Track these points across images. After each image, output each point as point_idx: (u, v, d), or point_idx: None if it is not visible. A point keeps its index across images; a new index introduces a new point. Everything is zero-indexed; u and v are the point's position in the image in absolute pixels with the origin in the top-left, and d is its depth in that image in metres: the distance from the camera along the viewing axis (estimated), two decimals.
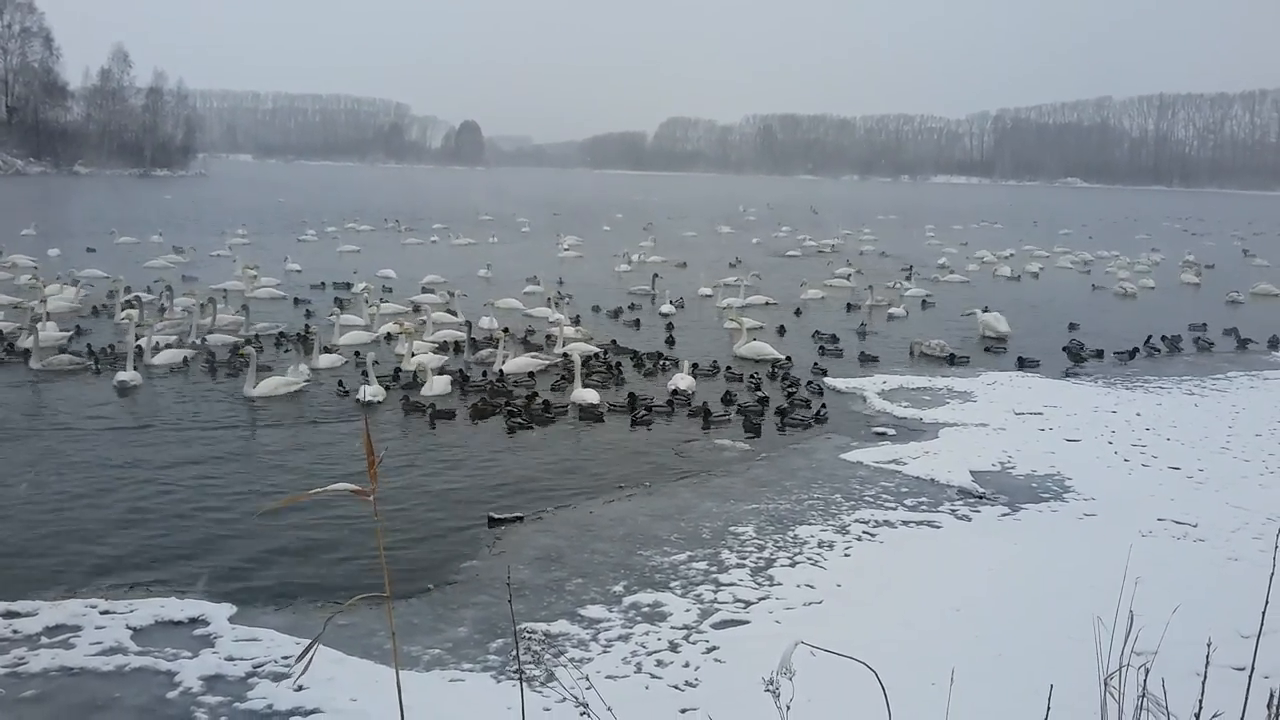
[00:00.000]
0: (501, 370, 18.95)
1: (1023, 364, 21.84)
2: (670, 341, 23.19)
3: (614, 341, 22.34)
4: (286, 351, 20.72)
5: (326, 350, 19.98)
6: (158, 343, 19.94)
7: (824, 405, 17.28)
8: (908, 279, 37.00)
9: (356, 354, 20.07)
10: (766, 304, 29.85)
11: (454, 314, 24.90)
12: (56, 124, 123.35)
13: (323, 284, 31.51)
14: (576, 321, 24.75)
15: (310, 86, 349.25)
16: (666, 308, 28.77)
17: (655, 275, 32.98)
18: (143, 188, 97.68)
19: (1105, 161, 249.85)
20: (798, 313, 28.52)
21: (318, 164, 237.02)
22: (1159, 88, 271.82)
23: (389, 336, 21.88)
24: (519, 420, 15.70)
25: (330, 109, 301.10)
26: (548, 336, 22.63)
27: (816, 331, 24.16)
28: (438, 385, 17.38)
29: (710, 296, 30.63)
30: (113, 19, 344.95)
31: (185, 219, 58.69)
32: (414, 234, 51.91)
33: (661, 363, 20.27)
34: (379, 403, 16.99)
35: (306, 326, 22.03)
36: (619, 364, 20.02)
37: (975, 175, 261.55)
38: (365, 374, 17.59)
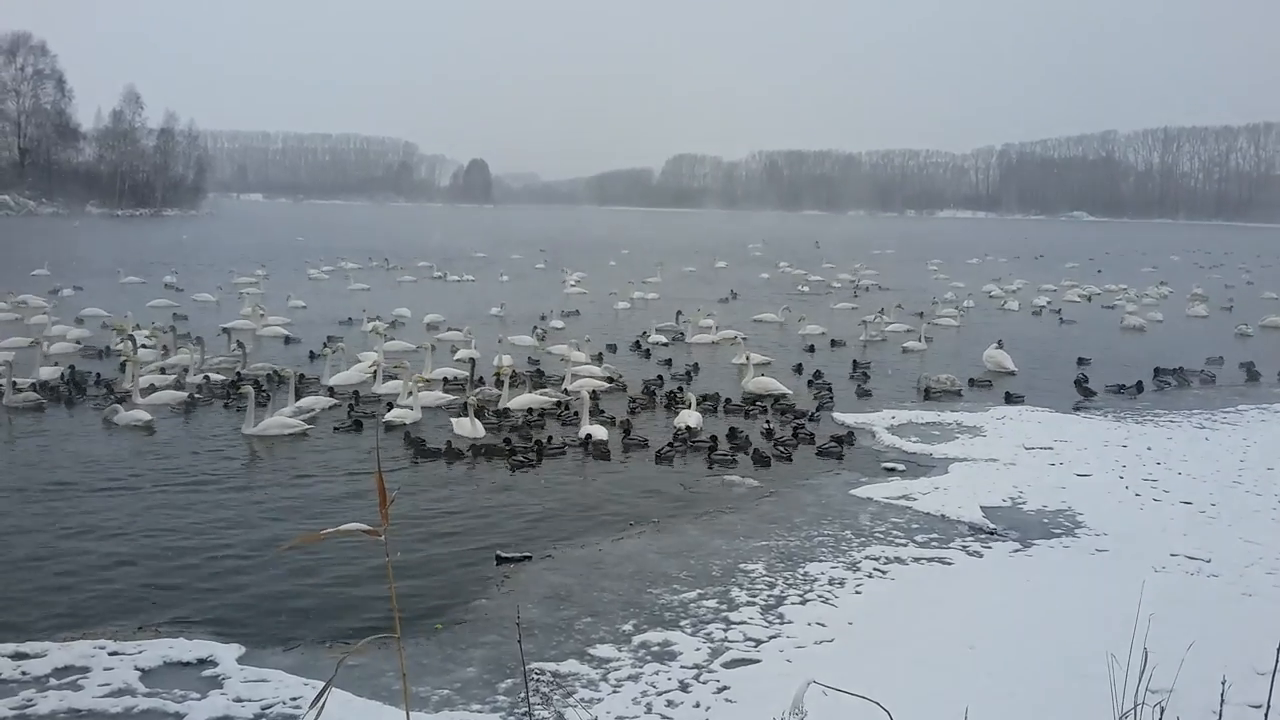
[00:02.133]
0: (504, 408, 18.93)
1: (1009, 399, 21.70)
2: (689, 377, 23.25)
3: (659, 377, 22.74)
4: (262, 391, 20.36)
5: (298, 394, 19.56)
6: (152, 384, 20.04)
7: (850, 433, 17.57)
8: (921, 316, 36.86)
9: (328, 391, 20.12)
10: (736, 339, 29.77)
11: (471, 350, 25.04)
12: (68, 165, 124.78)
13: (349, 319, 31.71)
14: (599, 359, 24.77)
15: (320, 126, 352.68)
16: (656, 337, 29.29)
17: (679, 312, 33.11)
18: (154, 228, 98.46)
19: (1111, 195, 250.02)
20: (811, 349, 28.46)
21: (327, 203, 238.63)
22: (1163, 121, 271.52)
23: (374, 375, 21.77)
24: (519, 459, 15.66)
25: (339, 148, 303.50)
26: (538, 372, 22.74)
27: (816, 373, 23.87)
28: (470, 427, 17.17)
29: (707, 328, 30.67)
30: (125, 61, 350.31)
31: (202, 259, 58.84)
32: (407, 272, 52.15)
33: (675, 396, 20.43)
34: (405, 424, 17.64)
35: (276, 370, 21.48)
36: (653, 393, 20.74)
37: (982, 209, 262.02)
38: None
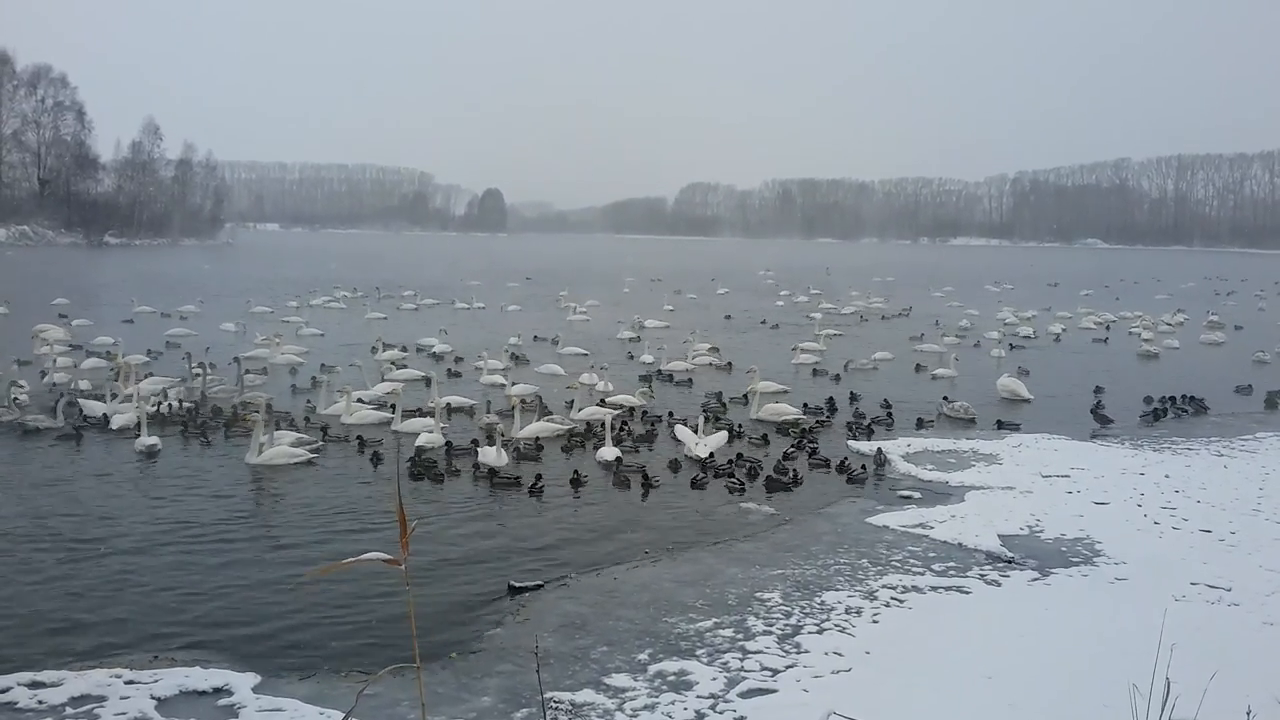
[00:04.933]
0: (504, 436, 18.83)
1: (1001, 426, 21.55)
2: (725, 404, 23.18)
3: (719, 398, 23.37)
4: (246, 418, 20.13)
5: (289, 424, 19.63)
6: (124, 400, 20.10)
7: (882, 459, 17.70)
8: (977, 345, 36.95)
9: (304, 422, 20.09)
10: (710, 356, 30.37)
11: (496, 378, 25.31)
12: (87, 195, 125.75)
13: (383, 346, 31.46)
14: (651, 393, 24.50)
15: (336, 156, 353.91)
16: (647, 357, 30.46)
17: (706, 341, 33.35)
18: (172, 258, 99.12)
19: (1125, 222, 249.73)
20: (836, 379, 28.31)
21: (344, 232, 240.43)
22: (1177, 148, 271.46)
23: (360, 400, 21.69)
24: (534, 488, 15.60)
25: (355, 178, 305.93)
26: (569, 403, 22.63)
27: (811, 404, 23.56)
28: (496, 455, 17.06)
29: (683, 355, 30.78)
30: (144, 93, 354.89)
31: (219, 288, 59.13)
32: (405, 300, 52.66)
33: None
34: (430, 449, 17.88)
35: (245, 402, 20.82)
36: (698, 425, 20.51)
37: (996, 237, 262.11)
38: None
